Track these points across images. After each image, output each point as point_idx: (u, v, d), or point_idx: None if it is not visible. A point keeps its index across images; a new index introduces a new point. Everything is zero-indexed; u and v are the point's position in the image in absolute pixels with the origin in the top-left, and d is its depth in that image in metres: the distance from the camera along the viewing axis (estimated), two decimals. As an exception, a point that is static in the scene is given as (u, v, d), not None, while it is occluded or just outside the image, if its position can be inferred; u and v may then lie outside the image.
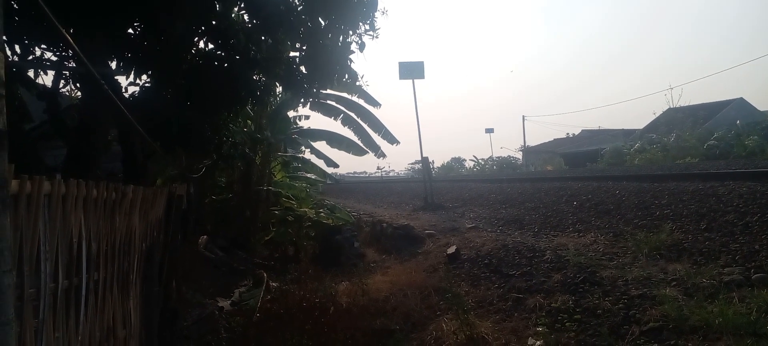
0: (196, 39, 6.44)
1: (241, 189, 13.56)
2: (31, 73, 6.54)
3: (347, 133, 17.22)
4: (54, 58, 6.50)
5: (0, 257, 1.81)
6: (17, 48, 5.84)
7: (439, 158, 74.88)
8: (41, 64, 6.36)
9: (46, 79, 9.00)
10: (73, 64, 6.45)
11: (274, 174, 14.79)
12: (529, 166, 46.02)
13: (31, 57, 6.15)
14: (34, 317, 2.56)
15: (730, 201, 7.45)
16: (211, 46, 6.57)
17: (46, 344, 2.65)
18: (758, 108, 37.56)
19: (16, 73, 6.05)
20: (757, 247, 5.66)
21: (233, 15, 6.46)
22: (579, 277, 5.89)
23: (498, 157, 53.74)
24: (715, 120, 33.65)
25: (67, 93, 8.52)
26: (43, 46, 6.23)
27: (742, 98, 39.08)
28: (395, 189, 26.67)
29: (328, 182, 18.62)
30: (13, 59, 5.73)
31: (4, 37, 1.93)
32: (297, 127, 16.59)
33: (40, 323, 2.60)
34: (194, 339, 6.53)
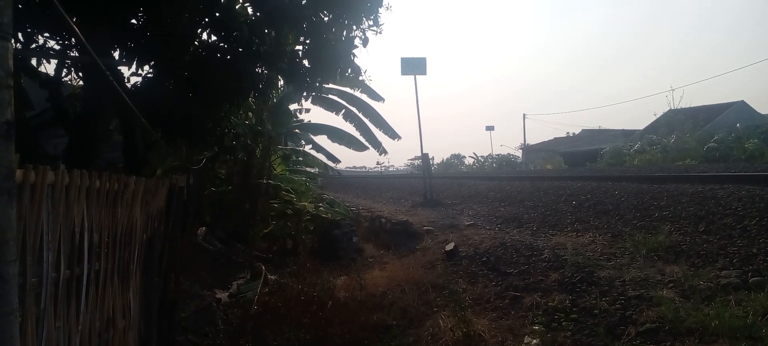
0: (199, 31, 6.42)
1: (240, 181, 13.55)
2: (33, 62, 6.53)
3: (348, 128, 17.20)
4: (57, 47, 6.50)
5: (5, 247, 1.82)
6: (20, 36, 5.83)
7: (438, 155, 75.03)
8: (44, 53, 6.36)
9: (49, 67, 9.02)
10: (75, 53, 6.44)
11: (274, 167, 14.78)
12: (528, 165, 46.01)
13: (34, 45, 6.15)
14: (35, 306, 2.57)
15: (729, 204, 7.47)
16: (214, 38, 6.55)
17: (47, 333, 2.66)
18: (759, 111, 37.58)
19: (19, 62, 6.05)
20: (754, 250, 5.68)
21: (237, 7, 6.45)
22: (576, 276, 5.91)
23: (498, 155, 53.85)
24: (716, 122, 33.63)
25: (70, 82, 8.52)
26: (46, 34, 6.22)
27: (743, 101, 39.05)
28: (394, 185, 26.67)
29: (330, 173, 18.61)
30: (16, 47, 5.73)
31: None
32: (298, 121, 16.57)
33: (41, 313, 2.61)
34: (192, 331, 6.54)
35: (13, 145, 1.84)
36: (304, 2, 6.46)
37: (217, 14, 6.08)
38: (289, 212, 13.04)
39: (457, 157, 66.37)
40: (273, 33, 6.46)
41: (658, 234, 6.91)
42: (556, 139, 57.14)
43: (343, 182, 30.39)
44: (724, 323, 4.16)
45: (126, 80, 6.58)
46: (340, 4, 6.48)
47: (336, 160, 19.23)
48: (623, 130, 44.42)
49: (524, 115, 53.12)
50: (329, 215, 12.78)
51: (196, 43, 6.56)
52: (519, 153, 54.10)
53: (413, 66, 16.20)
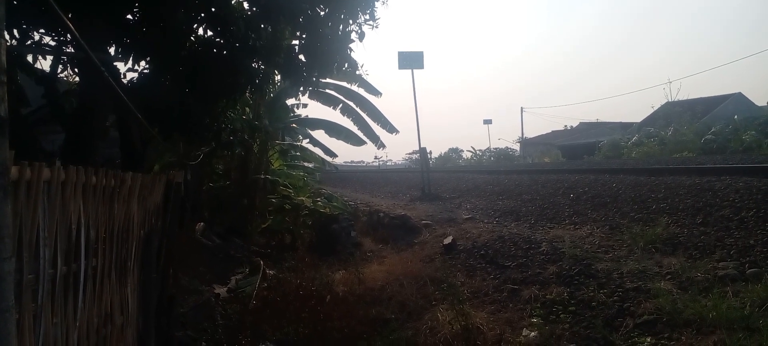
0: (195, 26, 6.41)
1: (238, 177, 13.56)
2: (29, 58, 6.51)
3: (346, 122, 17.23)
4: (53, 43, 6.47)
5: (0, 244, 1.82)
6: (16, 32, 5.80)
7: (436, 149, 74.81)
8: (40, 49, 6.33)
9: (45, 63, 9.00)
10: (71, 50, 6.42)
11: (271, 162, 14.78)
12: (526, 158, 46.01)
13: (29, 42, 6.12)
14: (32, 302, 2.57)
15: (726, 196, 7.48)
16: (210, 33, 6.53)
17: (44, 329, 2.66)
18: (756, 103, 37.62)
19: (15, 58, 6.02)
20: (752, 242, 5.70)
21: (233, 2, 6.43)
22: (574, 269, 5.93)
23: (495, 149, 53.76)
24: (713, 114, 33.64)
25: (66, 78, 8.50)
26: (41, 30, 6.20)
27: (740, 93, 39.07)
28: (392, 179, 26.67)
29: (328, 167, 18.63)
30: (11, 44, 5.70)
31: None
32: (295, 116, 16.57)
33: (38, 309, 2.61)
34: (191, 326, 6.55)
35: (7, 142, 1.84)
36: (299, -3, 6.44)
37: (214, 9, 6.06)
38: (287, 206, 13.05)
39: (455, 151, 66.40)
40: (269, 28, 6.44)
41: (655, 226, 6.92)
42: (553, 132, 57.14)
43: (341, 176, 30.37)
44: (721, 315, 4.17)
45: (122, 76, 6.56)
46: (336, -1, 6.47)
47: (334, 155, 19.27)
48: (621, 123, 44.36)
49: (522, 108, 53.39)
50: (327, 209, 12.80)
51: (192, 38, 6.54)
52: (517, 146, 54.12)
53: (410, 60, 16.18)
